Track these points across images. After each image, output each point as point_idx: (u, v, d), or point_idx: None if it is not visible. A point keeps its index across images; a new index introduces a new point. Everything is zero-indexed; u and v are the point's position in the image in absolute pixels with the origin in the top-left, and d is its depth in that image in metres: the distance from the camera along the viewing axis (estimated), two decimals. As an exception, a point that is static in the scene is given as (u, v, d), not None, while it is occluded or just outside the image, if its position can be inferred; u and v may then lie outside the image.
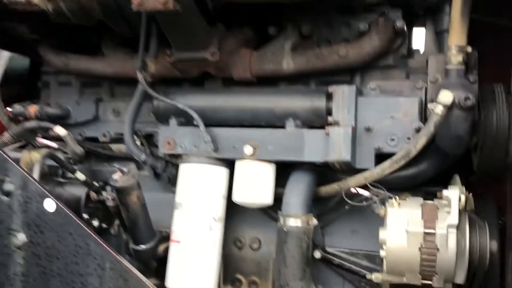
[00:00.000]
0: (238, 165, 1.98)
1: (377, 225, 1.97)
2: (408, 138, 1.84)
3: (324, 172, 2.00)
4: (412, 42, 2.07)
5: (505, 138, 1.82)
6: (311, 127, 1.93)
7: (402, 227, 1.63)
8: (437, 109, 1.64)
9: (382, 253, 1.67)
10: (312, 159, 1.88)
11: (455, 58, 1.75)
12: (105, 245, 1.47)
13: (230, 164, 2.01)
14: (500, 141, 1.82)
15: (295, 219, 1.86)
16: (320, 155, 1.86)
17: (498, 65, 1.90)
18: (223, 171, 2.02)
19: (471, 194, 1.59)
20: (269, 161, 1.95)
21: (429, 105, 1.67)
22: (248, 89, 2.09)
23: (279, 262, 1.86)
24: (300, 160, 1.90)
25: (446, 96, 1.63)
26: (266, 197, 1.96)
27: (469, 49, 1.75)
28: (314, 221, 1.90)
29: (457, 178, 1.75)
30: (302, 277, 1.83)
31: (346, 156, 1.81)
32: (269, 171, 1.96)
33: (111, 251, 1.47)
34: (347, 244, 2.03)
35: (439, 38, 1.97)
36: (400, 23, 1.87)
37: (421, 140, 1.68)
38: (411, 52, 2.01)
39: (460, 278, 1.62)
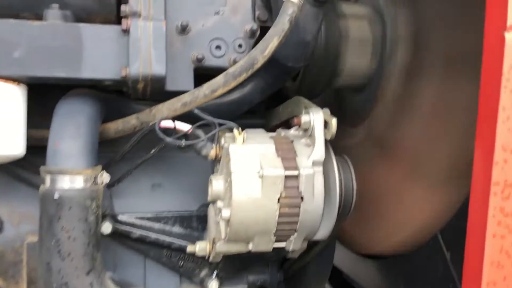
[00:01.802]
0: (-49, 87, 1.06)
1: (188, 173, 1.42)
2: (240, 46, 1.28)
3: (110, 101, 1.27)
4: None
5: (334, 55, 1.51)
6: (90, 20, 1.17)
7: (253, 170, 1.09)
8: (294, -3, 1.12)
9: (225, 213, 1.10)
10: (98, 76, 1.13)
11: None
12: None
13: None
14: (329, 58, 1.51)
15: (72, 177, 1.10)
16: (114, 69, 1.13)
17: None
18: None
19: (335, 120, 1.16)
20: (16, 80, 1.10)
21: (282, -9, 1.14)
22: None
23: (48, 252, 1.08)
24: (75, 77, 1.12)
25: (305, -21, 1.12)
26: (11, 144, 1.11)
27: None
28: (106, 177, 1.18)
29: (302, 99, 1.30)
30: (91, 269, 1.11)
31: (159, 68, 1.13)
32: (17, 97, 1.11)
33: None
34: (147, 206, 1.37)
35: None
36: None
37: (272, 44, 1.14)
38: None
39: (325, 232, 1.21)
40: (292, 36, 1.21)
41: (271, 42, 1.14)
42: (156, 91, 1.20)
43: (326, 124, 1.17)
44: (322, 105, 1.91)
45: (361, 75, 1.59)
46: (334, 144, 1.23)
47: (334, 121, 1.14)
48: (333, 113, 1.77)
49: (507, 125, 0.71)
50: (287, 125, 1.39)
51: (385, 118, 1.55)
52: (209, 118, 1.16)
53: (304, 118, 1.17)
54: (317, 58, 1.49)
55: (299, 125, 1.18)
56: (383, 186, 1.48)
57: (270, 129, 1.53)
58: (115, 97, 1.28)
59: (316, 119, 1.15)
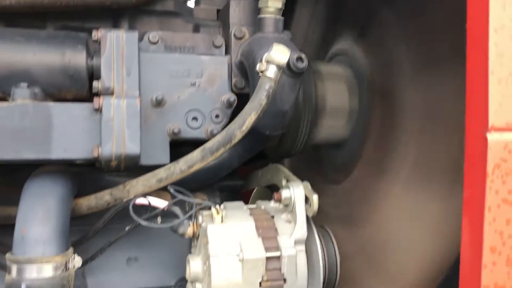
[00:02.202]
0: None
1: (165, 244, 1.37)
2: (217, 116, 1.25)
3: (83, 175, 1.22)
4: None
5: (311, 115, 1.50)
6: (62, 99, 1.12)
7: (232, 253, 1.05)
8: (270, 72, 1.10)
9: (204, 299, 1.05)
10: (69, 156, 1.08)
11: (273, 3, 1.26)
12: None
13: None
14: (306, 119, 1.50)
15: (41, 265, 1.03)
16: (85, 148, 1.08)
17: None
18: None
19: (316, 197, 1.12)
20: (-20, 163, 1.05)
21: (259, 66, 1.12)
22: None
23: None
24: (45, 158, 1.07)
25: (282, 53, 1.10)
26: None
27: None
28: (78, 261, 1.11)
29: (281, 168, 1.27)
30: None
31: (133, 147, 1.09)
32: (-19, 181, 1.06)
33: None
34: (123, 283, 1.31)
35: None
36: None
37: (250, 119, 1.11)
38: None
39: (309, 311, 1.16)
40: (270, 107, 1.19)
41: (248, 117, 1.11)
42: (130, 167, 1.16)
43: (307, 198, 1.13)
44: (301, 160, 1.90)
45: (338, 134, 1.59)
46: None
47: (315, 198, 1.10)
48: (312, 168, 1.75)
49: (493, 227, 0.69)
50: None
51: (354, 196, 1.54)
52: (186, 198, 1.11)
53: (285, 193, 1.13)
54: (295, 120, 1.47)
55: (279, 200, 1.15)
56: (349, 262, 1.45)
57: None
58: (87, 170, 1.24)
59: (297, 195, 1.12)
